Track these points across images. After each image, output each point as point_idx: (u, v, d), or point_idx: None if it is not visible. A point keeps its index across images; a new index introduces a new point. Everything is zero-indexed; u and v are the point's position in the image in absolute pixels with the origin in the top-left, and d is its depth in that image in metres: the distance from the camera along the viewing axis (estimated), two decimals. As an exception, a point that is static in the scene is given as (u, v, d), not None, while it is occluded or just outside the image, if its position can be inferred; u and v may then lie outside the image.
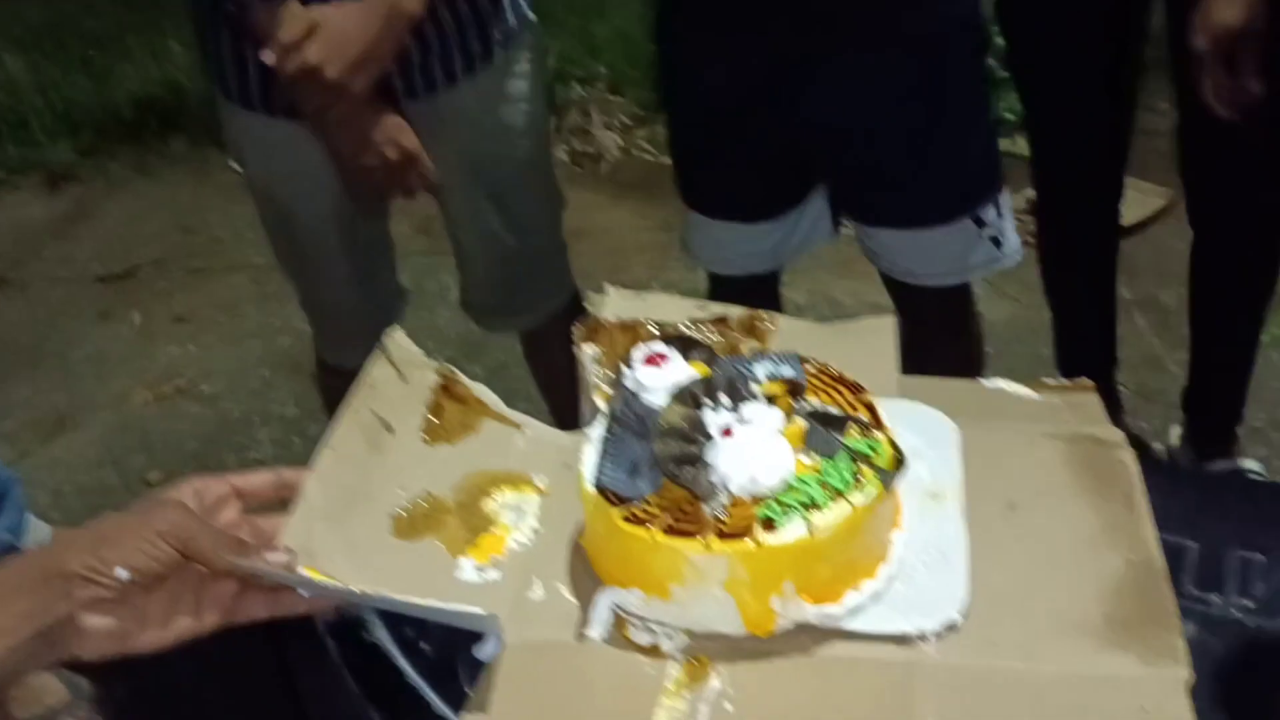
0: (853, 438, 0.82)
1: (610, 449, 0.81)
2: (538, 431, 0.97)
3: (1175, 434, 2.20)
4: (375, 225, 1.78)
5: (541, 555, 0.87)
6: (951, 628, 0.79)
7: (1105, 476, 0.91)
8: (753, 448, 0.79)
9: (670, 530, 0.76)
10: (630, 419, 0.84)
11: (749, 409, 0.82)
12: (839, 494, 0.77)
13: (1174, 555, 0.87)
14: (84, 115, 3.94)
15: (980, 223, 1.56)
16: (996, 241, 1.58)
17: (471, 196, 1.72)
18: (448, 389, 0.98)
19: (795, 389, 0.86)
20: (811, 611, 0.79)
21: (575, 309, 1.90)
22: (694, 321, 1.06)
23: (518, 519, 0.90)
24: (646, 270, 3.01)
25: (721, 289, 1.74)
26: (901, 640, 0.79)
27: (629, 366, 0.87)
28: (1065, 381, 1.02)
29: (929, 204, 1.55)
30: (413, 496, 0.90)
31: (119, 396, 2.76)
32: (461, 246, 1.85)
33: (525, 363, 2.13)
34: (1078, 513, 0.88)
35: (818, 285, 2.80)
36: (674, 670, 0.78)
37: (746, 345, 1.04)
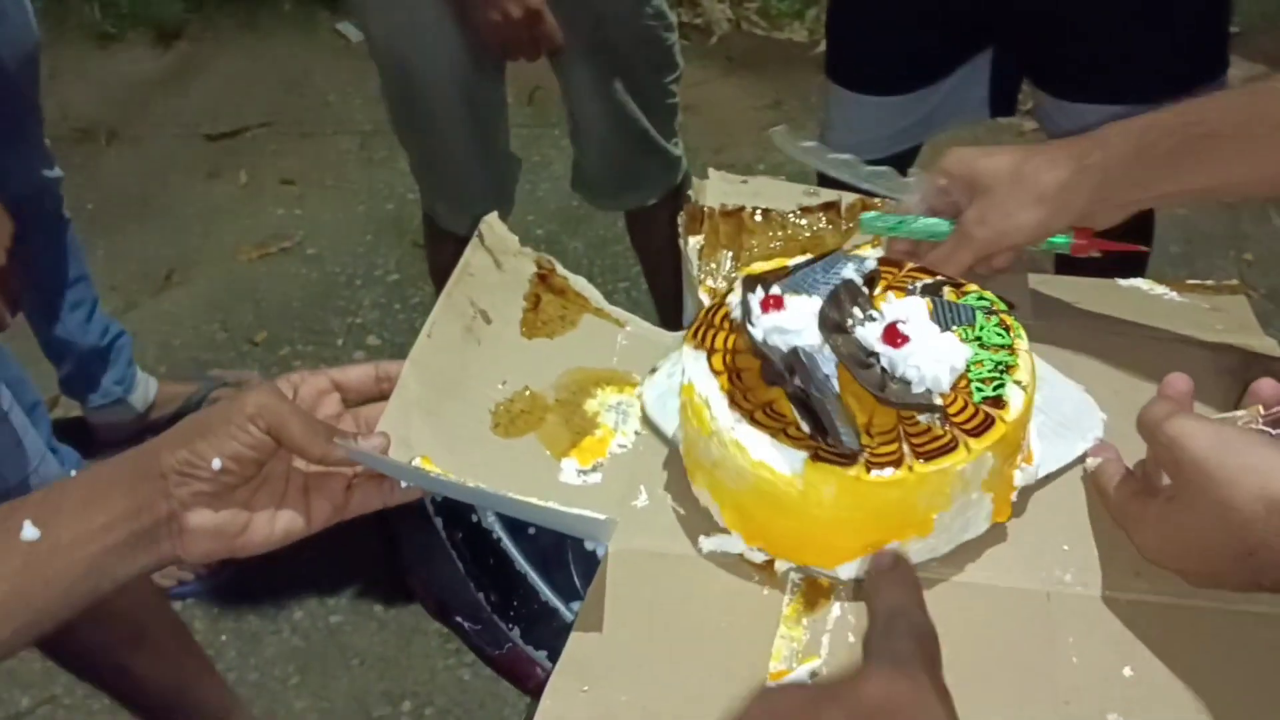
0: (957, 297, 0.80)
1: (834, 414, 0.71)
2: (639, 329, 0.94)
3: None
4: (493, 88, 1.75)
5: (644, 460, 0.84)
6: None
7: None
8: (933, 340, 0.74)
9: (926, 456, 0.70)
10: (814, 374, 0.73)
11: (882, 309, 0.77)
12: (1009, 348, 0.75)
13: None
14: (193, -31, 3.93)
15: None
16: None
17: (593, 63, 1.69)
18: (545, 280, 0.95)
19: (873, 278, 0.82)
20: (1031, 473, 0.77)
21: (684, 187, 1.86)
22: (802, 209, 1.01)
23: (620, 421, 0.86)
24: (753, 149, 2.94)
25: None
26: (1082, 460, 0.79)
27: (753, 324, 0.77)
28: (1210, 282, 0.96)
29: (1151, 76, 1.36)
30: (512, 391, 0.88)
31: (226, 254, 2.79)
32: (578, 119, 1.81)
33: (628, 240, 2.10)
34: None
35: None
36: (790, 593, 0.74)
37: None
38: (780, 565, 0.75)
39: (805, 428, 0.71)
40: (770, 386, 0.74)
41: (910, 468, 0.69)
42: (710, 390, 0.75)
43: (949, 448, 0.70)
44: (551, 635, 0.75)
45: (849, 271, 0.80)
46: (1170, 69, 1.37)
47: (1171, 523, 0.68)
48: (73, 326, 2.09)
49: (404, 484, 0.78)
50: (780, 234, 1.00)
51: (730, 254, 0.98)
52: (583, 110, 1.79)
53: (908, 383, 0.72)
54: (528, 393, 0.88)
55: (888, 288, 0.81)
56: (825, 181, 1.04)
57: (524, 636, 0.78)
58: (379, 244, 2.78)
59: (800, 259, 0.83)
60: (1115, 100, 1.34)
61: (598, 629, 0.72)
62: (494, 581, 0.82)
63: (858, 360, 0.73)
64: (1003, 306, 0.79)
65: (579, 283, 0.96)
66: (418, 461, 0.78)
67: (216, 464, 0.70)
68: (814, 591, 0.74)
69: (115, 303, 2.54)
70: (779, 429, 0.72)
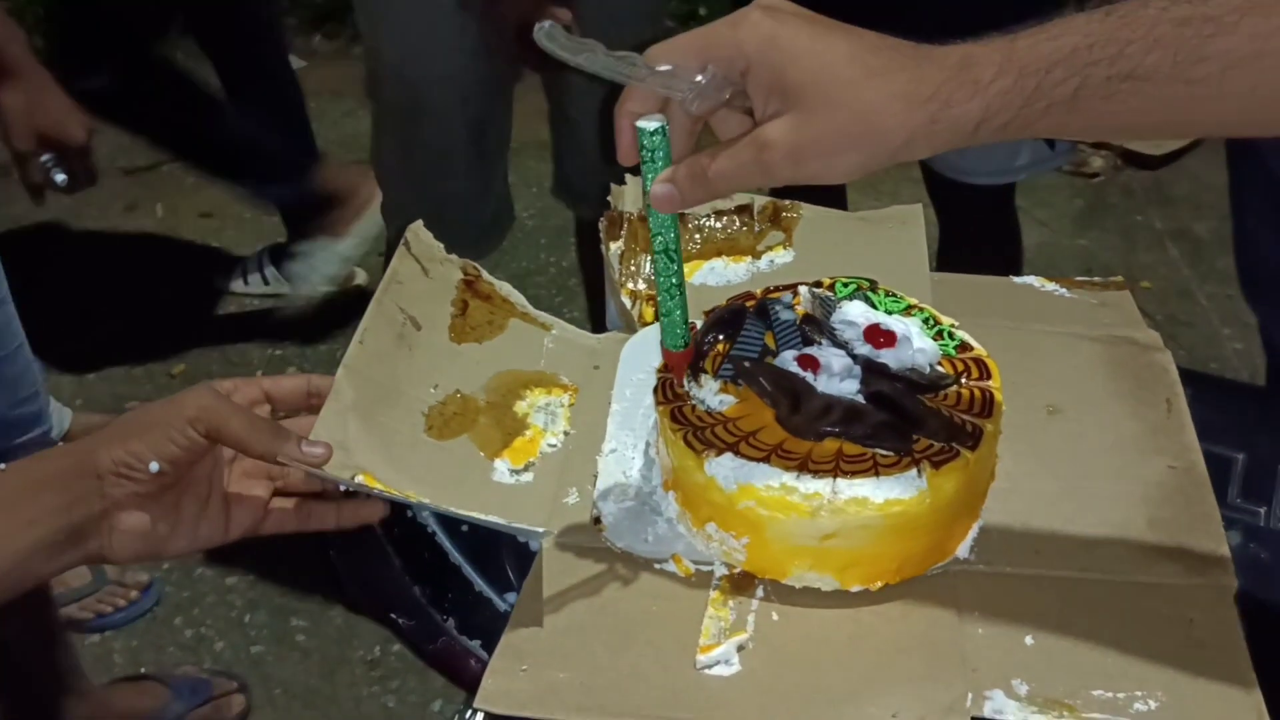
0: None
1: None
2: (565, 332, 0.97)
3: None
4: (502, 119, 1.77)
5: (573, 459, 0.87)
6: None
7: (1144, 381, 0.90)
8: (899, 323, 0.82)
9: (934, 460, 0.74)
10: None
11: (839, 316, 0.83)
12: (913, 305, 0.86)
13: (1221, 467, 0.86)
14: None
15: None
16: (1049, 141, 1.55)
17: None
18: (471, 285, 0.97)
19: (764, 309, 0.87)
20: None
21: None
22: (716, 212, 1.05)
23: (549, 422, 0.90)
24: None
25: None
26: None
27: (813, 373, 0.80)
28: (1097, 279, 1.01)
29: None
30: (444, 395, 0.90)
31: (144, 287, 2.76)
32: (572, 123, 1.81)
33: (550, 272, 2.12)
34: (1119, 418, 0.87)
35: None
36: (717, 578, 0.78)
37: (771, 235, 1.04)
38: None
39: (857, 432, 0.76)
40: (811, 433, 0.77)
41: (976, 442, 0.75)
42: (772, 476, 0.74)
43: (984, 413, 0.77)
44: (486, 624, 0.78)
45: (784, 314, 0.84)
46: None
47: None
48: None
49: (311, 518, 0.81)
50: (697, 236, 1.04)
51: (648, 258, 1.02)
52: (579, 111, 1.78)
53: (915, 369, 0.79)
54: (459, 396, 0.90)
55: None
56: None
57: (459, 627, 0.80)
58: (298, 276, 2.76)
59: (707, 325, 0.86)
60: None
61: (534, 622, 0.75)
62: (429, 575, 0.84)
63: (911, 381, 0.78)
64: (865, 282, 0.86)
65: (504, 288, 0.99)
66: (360, 479, 0.78)
67: (154, 467, 0.70)
68: (739, 577, 0.77)
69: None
70: (865, 464, 0.74)
